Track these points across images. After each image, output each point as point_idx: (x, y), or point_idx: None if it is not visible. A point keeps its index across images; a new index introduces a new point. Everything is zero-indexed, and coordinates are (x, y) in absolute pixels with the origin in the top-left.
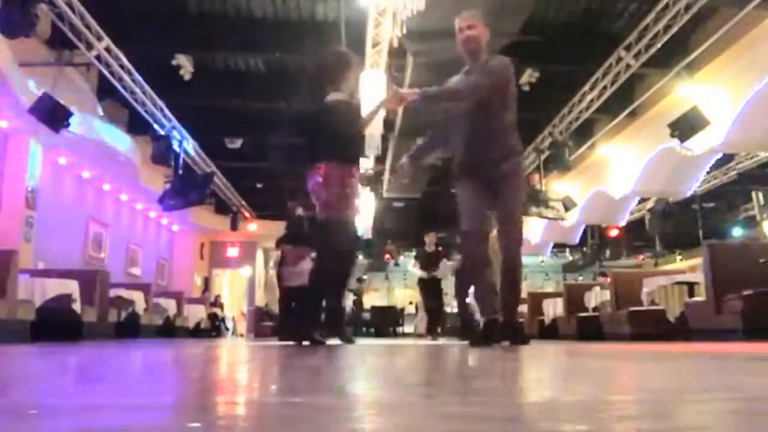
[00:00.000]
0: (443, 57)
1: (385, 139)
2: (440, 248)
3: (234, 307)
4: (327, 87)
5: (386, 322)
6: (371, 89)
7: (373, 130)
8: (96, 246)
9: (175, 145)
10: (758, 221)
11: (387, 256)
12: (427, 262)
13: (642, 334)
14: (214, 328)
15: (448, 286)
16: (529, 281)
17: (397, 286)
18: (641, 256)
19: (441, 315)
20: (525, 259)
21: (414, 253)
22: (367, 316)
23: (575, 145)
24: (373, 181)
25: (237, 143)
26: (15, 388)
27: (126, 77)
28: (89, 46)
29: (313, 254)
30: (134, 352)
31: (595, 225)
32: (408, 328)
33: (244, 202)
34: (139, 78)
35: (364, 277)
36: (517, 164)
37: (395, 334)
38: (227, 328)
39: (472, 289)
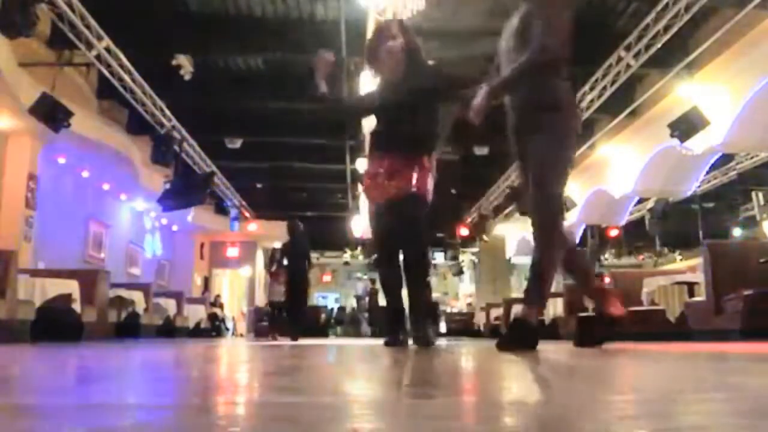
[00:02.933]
0: (443, 57)
1: None
2: None
3: (234, 307)
4: None
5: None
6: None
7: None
8: (96, 246)
9: (175, 145)
10: (758, 221)
11: None
12: None
13: (642, 334)
14: (214, 328)
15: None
16: None
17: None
18: (641, 256)
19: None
20: (525, 259)
21: None
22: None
23: (575, 145)
24: None
25: (237, 143)
26: (15, 388)
27: (126, 77)
28: (89, 46)
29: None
30: (134, 352)
31: (595, 225)
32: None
33: (244, 202)
34: (139, 78)
35: (365, 276)
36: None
37: None
38: (227, 328)
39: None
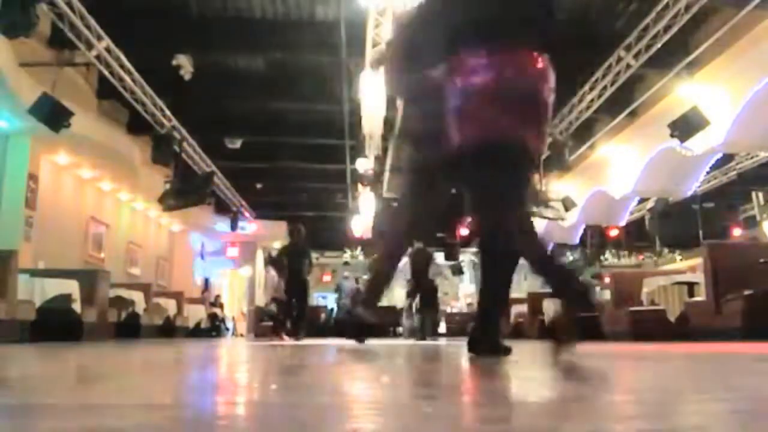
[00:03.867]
0: None
1: (384, 139)
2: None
3: (234, 307)
4: None
5: (386, 322)
6: (371, 88)
7: (373, 130)
8: (96, 246)
9: (175, 145)
10: (758, 221)
11: None
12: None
13: (642, 334)
14: (214, 328)
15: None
16: (529, 281)
17: (397, 286)
18: (641, 256)
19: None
20: (524, 259)
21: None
22: None
23: (575, 145)
24: (373, 181)
25: (237, 143)
26: (15, 388)
27: (126, 77)
28: (89, 46)
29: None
30: (134, 352)
31: (595, 225)
32: None
33: (244, 202)
34: (139, 78)
35: (364, 277)
36: None
37: (395, 335)
38: (227, 328)
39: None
